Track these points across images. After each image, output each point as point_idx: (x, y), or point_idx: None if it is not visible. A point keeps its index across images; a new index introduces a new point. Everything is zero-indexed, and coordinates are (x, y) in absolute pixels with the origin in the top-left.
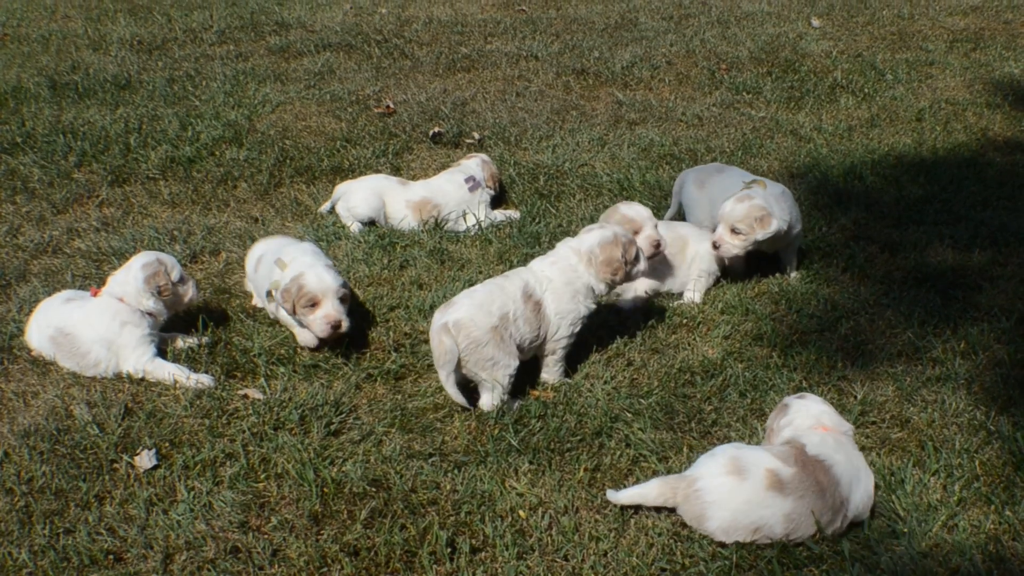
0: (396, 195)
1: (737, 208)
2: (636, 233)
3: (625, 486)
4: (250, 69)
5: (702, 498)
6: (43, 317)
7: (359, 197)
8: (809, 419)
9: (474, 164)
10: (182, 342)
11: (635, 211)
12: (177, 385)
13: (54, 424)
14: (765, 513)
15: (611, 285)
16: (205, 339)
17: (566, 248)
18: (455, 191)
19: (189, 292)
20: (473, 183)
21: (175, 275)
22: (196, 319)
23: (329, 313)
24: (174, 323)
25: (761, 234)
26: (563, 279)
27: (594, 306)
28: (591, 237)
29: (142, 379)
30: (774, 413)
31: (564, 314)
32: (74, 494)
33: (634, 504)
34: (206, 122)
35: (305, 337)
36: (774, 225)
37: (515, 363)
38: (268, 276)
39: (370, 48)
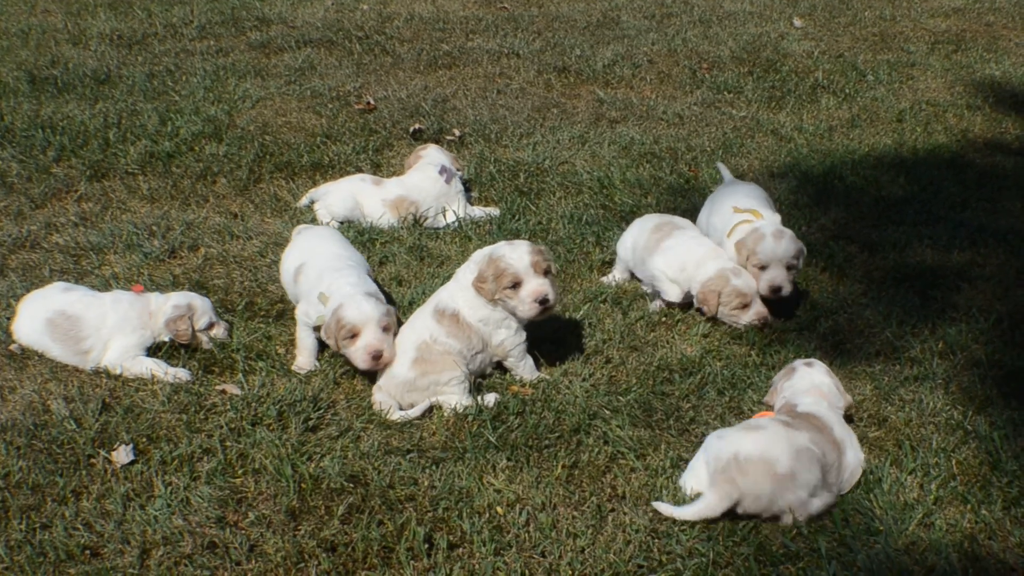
0: (372, 195)
1: (784, 244)
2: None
3: (603, 483)
4: (230, 64)
5: (765, 453)
6: (40, 302)
7: (335, 198)
8: (807, 385)
9: (435, 152)
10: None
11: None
12: (155, 380)
13: (31, 419)
14: (799, 440)
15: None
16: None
17: (472, 258)
18: (431, 186)
19: (219, 336)
20: (447, 173)
21: (202, 323)
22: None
23: (369, 343)
24: None
25: (802, 259)
26: (467, 284)
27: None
28: (484, 251)
29: (119, 375)
30: (781, 373)
31: (487, 320)
32: (51, 489)
33: (699, 520)
34: (186, 117)
35: (303, 361)
36: (804, 251)
37: (458, 372)
38: (310, 290)
39: (351, 44)
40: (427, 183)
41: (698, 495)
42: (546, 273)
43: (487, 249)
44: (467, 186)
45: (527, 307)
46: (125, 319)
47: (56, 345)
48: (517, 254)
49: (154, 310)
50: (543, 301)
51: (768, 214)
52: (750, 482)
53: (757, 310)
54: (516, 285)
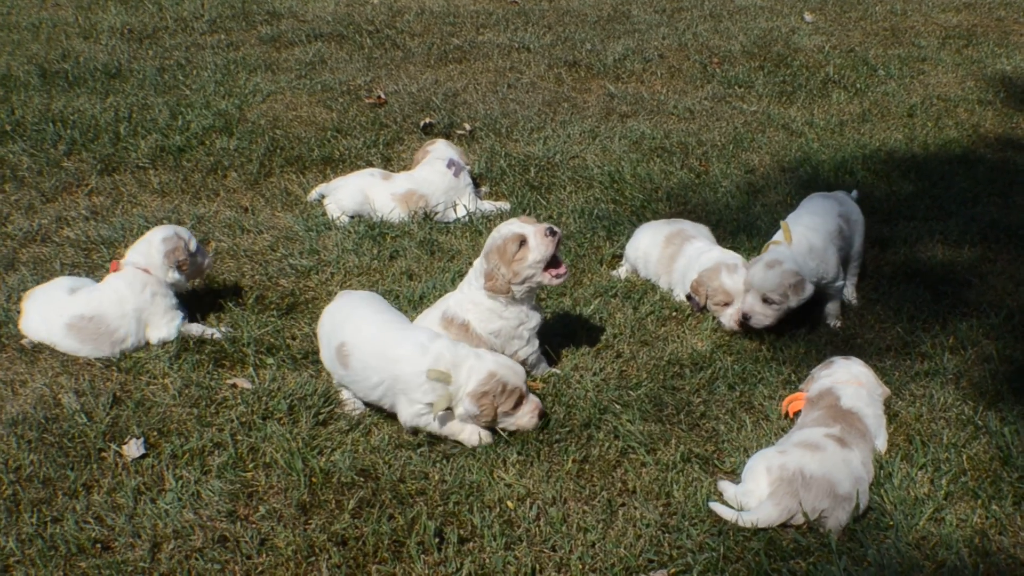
0: (381, 189)
1: (769, 276)
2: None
3: (614, 477)
4: (241, 59)
5: (830, 474)
6: (49, 308)
7: (345, 193)
8: (848, 375)
9: (443, 147)
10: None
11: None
12: (165, 376)
13: (42, 412)
14: (855, 464)
15: (523, 287)
16: (217, 334)
17: (472, 271)
18: (440, 180)
19: (205, 261)
20: (455, 167)
21: (193, 245)
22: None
23: (536, 401)
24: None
25: (795, 301)
26: (477, 298)
27: (530, 314)
28: (478, 259)
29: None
30: (820, 366)
31: (499, 332)
32: (62, 483)
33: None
34: (196, 111)
35: (486, 436)
36: (808, 290)
37: None
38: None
39: (362, 38)
40: (436, 177)
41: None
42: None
43: (479, 257)
44: (476, 181)
45: (544, 245)
46: (138, 295)
47: (86, 345)
48: (505, 224)
49: (145, 262)
50: (552, 232)
51: (801, 239)
52: (812, 498)
53: (736, 311)
54: (523, 243)
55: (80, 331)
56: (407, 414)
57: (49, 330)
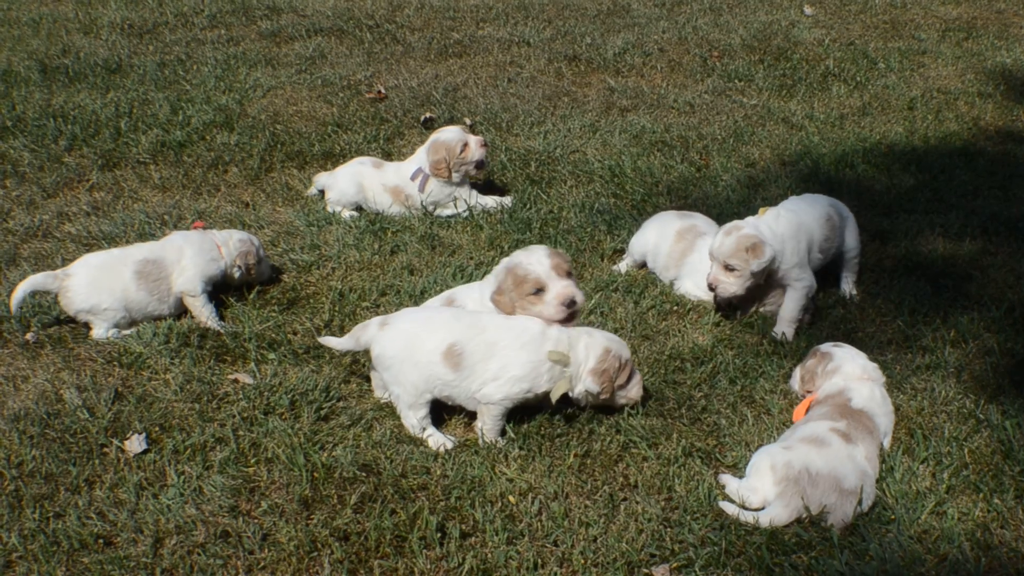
0: (373, 178)
1: (726, 242)
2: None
3: (615, 472)
4: (241, 53)
5: (835, 470)
6: (110, 260)
7: (341, 189)
8: (858, 369)
9: (421, 152)
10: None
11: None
12: (167, 370)
13: (44, 408)
14: (859, 459)
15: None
16: (219, 327)
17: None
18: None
19: (267, 271)
20: (421, 180)
21: (261, 253)
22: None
23: (638, 372)
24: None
25: (756, 264)
26: (488, 303)
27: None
28: (500, 264)
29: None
30: (813, 361)
31: None
32: (64, 478)
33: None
34: (197, 106)
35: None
36: (768, 252)
37: None
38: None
39: (362, 33)
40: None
41: (749, 495)
42: (568, 275)
43: (503, 261)
44: (486, 183)
45: (554, 310)
46: (200, 250)
47: (153, 296)
48: (536, 258)
49: (221, 243)
50: (570, 303)
51: (769, 217)
52: (819, 494)
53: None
54: (539, 291)
55: (147, 277)
56: (507, 390)
57: (115, 285)
